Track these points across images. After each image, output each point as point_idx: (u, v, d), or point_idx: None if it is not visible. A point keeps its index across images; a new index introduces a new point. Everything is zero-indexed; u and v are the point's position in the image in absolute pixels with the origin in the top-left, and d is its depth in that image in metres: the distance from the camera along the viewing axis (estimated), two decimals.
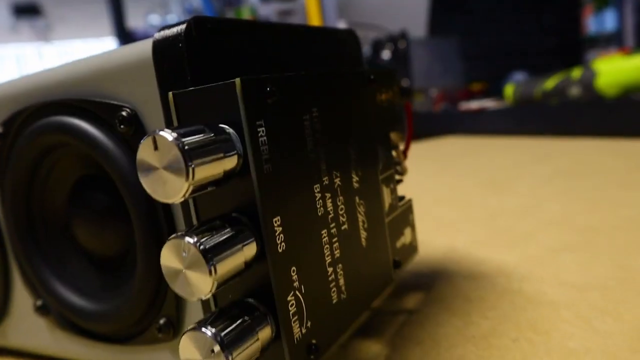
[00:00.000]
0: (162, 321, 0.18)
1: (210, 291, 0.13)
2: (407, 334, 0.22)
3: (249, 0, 2.13)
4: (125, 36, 1.80)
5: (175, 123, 0.15)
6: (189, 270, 0.13)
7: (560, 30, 0.89)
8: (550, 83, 0.67)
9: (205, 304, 0.17)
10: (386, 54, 1.47)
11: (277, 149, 0.15)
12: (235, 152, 0.14)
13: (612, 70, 0.60)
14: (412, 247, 0.24)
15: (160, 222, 0.17)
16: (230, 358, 0.13)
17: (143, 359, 0.20)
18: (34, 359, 0.24)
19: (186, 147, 0.12)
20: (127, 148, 0.17)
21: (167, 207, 0.17)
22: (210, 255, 0.13)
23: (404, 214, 0.23)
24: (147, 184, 0.13)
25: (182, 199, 0.13)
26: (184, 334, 0.14)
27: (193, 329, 0.13)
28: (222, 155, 0.13)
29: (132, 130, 0.17)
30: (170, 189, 0.12)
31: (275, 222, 0.14)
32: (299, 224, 0.15)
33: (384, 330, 0.22)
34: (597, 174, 0.48)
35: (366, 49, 1.46)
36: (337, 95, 0.18)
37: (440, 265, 0.29)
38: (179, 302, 0.18)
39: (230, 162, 0.13)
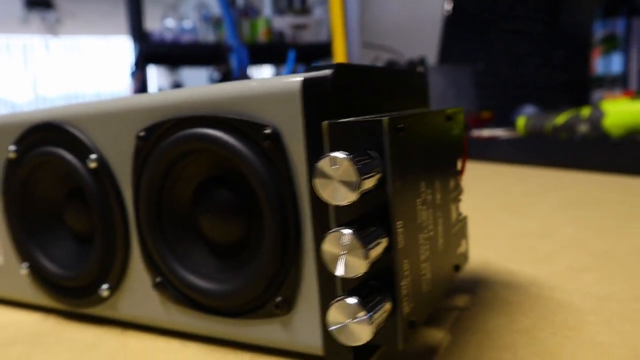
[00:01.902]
0: (278, 299, 0.23)
1: (364, 271, 0.17)
2: (462, 326, 0.26)
3: (264, 12, 2.18)
4: (142, 37, 1.84)
5: (328, 145, 0.19)
6: (348, 255, 0.17)
7: (569, 68, 0.95)
8: (561, 119, 0.73)
9: (323, 286, 0.22)
10: None
11: (402, 170, 0.19)
12: (378, 171, 0.18)
13: (618, 112, 0.66)
14: (465, 256, 0.29)
15: (288, 219, 0.22)
16: (371, 321, 0.17)
17: (255, 330, 0.24)
18: (136, 331, 0.28)
19: (358, 167, 0.17)
20: (266, 159, 0.22)
21: (296, 207, 0.22)
22: (365, 244, 0.17)
23: (462, 227, 0.28)
24: (322, 189, 0.17)
25: (347, 203, 0.17)
26: (332, 304, 0.18)
27: (340, 299, 0.18)
28: (374, 173, 0.18)
29: (274, 146, 0.22)
30: (341, 195, 0.17)
31: (399, 225, 0.19)
32: (410, 228, 0.20)
33: (443, 322, 0.27)
34: (604, 205, 0.53)
35: None
36: (432, 130, 0.23)
37: (479, 274, 0.34)
38: (296, 285, 0.22)
39: (376, 179, 0.18)
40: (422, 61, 0.97)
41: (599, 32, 0.91)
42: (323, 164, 0.17)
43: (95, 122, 0.27)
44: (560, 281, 0.32)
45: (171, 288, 0.26)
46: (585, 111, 0.70)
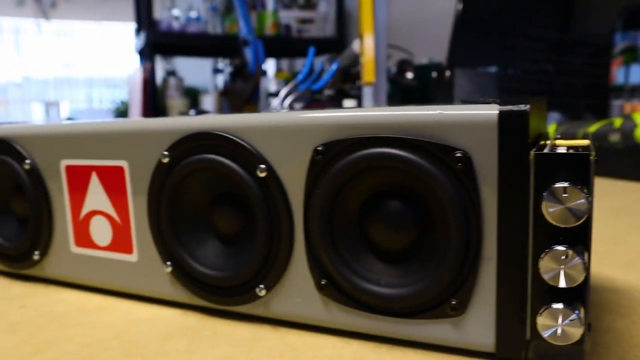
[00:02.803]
0: (454, 302, 0.26)
1: (583, 279, 0.20)
2: (594, 325, 0.29)
3: (268, 6, 2.18)
4: (151, 25, 1.83)
5: (533, 174, 0.22)
6: (568, 269, 0.20)
7: (589, 75, 1.00)
8: (593, 127, 0.77)
9: (500, 293, 0.24)
10: (409, 75, 1.56)
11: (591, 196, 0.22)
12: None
13: None
14: None
15: (471, 232, 0.25)
16: (581, 322, 0.20)
17: (426, 329, 0.27)
18: (288, 328, 0.31)
19: (586, 198, 0.20)
20: (456, 179, 0.25)
21: (480, 223, 0.25)
22: (583, 259, 0.20)
23: None
24: (552, 211, 0.20)
25: (570, 227, 0.20)
26: (541, 312, 0.21)
27: (547, 308, 0.21)
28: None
29: (464, 168, 0.25)
30: (569, 220, 0.20)
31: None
32: None
33: None
34: None
35: (392, 68, 1.55)
36: None
37: None
38: (472, 290, 0.25)
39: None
40: (450, 65, 1.00)
41: (619, 43, 0.96)
42: (556, 191, 0.20)
43: (265, 134, 0.29)
44: None
45: (335, 290, 0.28)
46: (618, 121, 0.75)
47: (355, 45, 1.49)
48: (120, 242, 0.36)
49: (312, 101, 1.40)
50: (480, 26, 1.40)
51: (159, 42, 1.88)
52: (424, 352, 0.27)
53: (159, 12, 2.06)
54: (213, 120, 0.31)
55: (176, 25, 1.95)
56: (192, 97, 2.16)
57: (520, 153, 0.24)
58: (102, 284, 0.37)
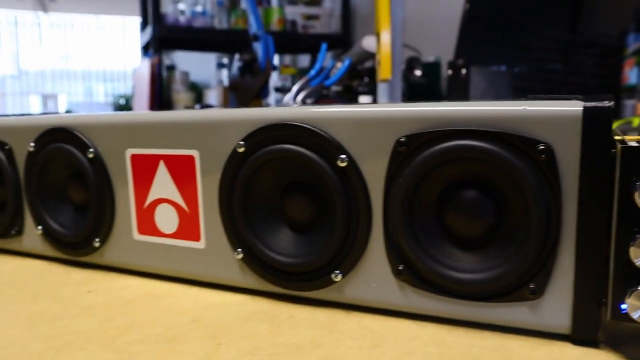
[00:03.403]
0: (532, 286, 0.27)
1: None
2: None
3: (273, 2, 2.19)
4: (158, 19, 1.83)
5: (619, 166, 0.24)
6: None
7: (600, 76, 1.02)
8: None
9: (578, 278, 0.26)
10: (418, 72, 1.58)
11: None
12: None
13: None
14: None
15: (551, 220, 0.26)
16: None
17: (502, 312, 0.28)
18: (360, 312, 0.32)
19: None
20: (538, 170, 0.26)
21: (560, 212, 0.26)
22: None
23: None
24: None
25: None
26: (630, 294, 0.23)
27: (635, 290, 0.22)
28: None
29: (547, 160, 0.26)
30: None
31: None
32: None
33: None
34: None
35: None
36: None
37: None
38: (550, 275, 0.27)
39: None
40: (466, 63, 1.02)
41: (632, 45, 0.98)
42: None
43: (347, 125, 0.30)
44: None
45: (413, 275, 0.30)
46: (636, 121, 0.77)
47: (366, 42, 1.50)
48: (187, 229, 0.37)
49: (320, 97, 1.41)
50: (487, 25, 1.42)
51: (165, 37, 1.87)
52: (500, 334, 0.29)
53: (165, 6, 2.05)
54: (291, 111, 0.32)
55: (182, 20, 1.94)
56: (196, 92, 2.16)
57: (603, 146, 0.25)
58: (167, 271, 0.38)
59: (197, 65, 2.89)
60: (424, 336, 0.29)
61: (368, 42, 1.51)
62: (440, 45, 1.70)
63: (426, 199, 0.30)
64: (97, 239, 0.41)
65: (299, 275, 0.33)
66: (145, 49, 2.06)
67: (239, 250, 0.34)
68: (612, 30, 1.12)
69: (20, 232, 0.46)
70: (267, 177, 0.34)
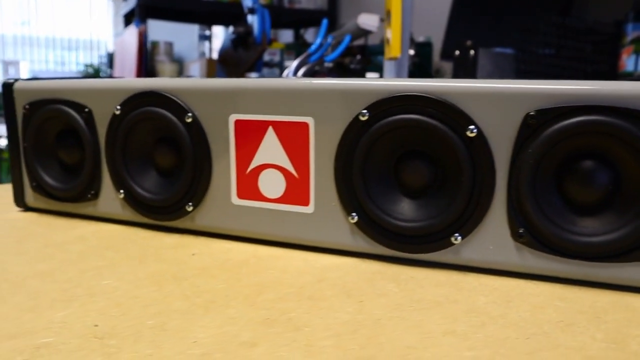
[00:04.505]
0: None
1: None
2: None
3: None
4: None
5: None
6: None
7: (599, 61, 1.08)
8: None
9: None
10: (411, 52, 1.60)
11: None
12: None
13: None
14: None
15: None
16: None
17: (622, 271, 0.31)
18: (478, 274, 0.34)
19: None
20: None
21: None
22: None
23: None
24: None
25: None
26: None
27: None
28: None
29: None
30: None
31: None
32: None
33: None
34: None
35: None
36: None
37: None
38: None
39: None
40: (475, 45, 1.05)
41: (630, 33, 1.04)
42: None
43: (477, 98, 0.32)
44: None
45: (533, 238, 0.32)
46: None
47: (361, 19, 1.51)
48: (295, 194, 0.38)
49: (313, 73, 1.42)
50: (478, 7, 1.46)
51: (150, 5, 1.82)
52: (614, 291, 0.32)
53: None
54: (420, 83, 0.34)
55: None
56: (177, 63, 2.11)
57: None
58: (270, 235, 0.39)
59: (174, 37, 2.81)
60: (545, 293, 0.32)
61: (364, 20, 1.52)
62: (430, 26, 1.73)
63: (549, 169, 0.32)
64: (189, 203, 0.41)
65: (417, 239, 0.35)
66: (127, 18, 1.99)
67: (354, 214, 0.36)
68: (604, 17, 1.18)
69: (96, 195, 0.45)
70: (387, 145, 0.35)
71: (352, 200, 0.36)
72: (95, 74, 3.07)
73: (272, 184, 0.38)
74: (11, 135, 0.48)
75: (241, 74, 1.60)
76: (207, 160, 0.40)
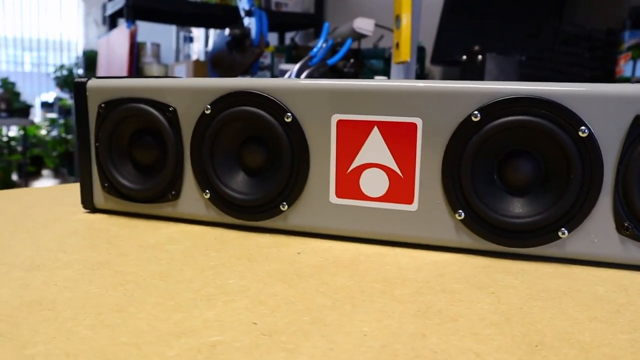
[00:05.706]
0: None
1: None
2: None
3: None
4: None
5: None
6: None
7: (598, 67, 1.14)
8: None
9: None
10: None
11: None
12: None
13: None
14: None
15: None
16: None
17: None
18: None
19: None
20: None
21: None
22: None
23: None
24: None
25: None
26: None
27: None
28: None
29: None
30: None
31: None
32: None
33: None
34: None
35: (389, 49, 1.62)
36: None
37: None
38: None
39: None
40: (482, 50, 1.09)
41: (628, 40, 1.10)
42: None
43: (589, 101, 0.34)
44: None
45: (638, 231, 0.35)
46: None
47: (357, 24, 1.54)
48: (399, 193, 0.39)
49: (307, 77, 1.44)
50: (469, 13, 1.51)
51: (139, 5, 1.78)
52: None
53: None
54: (531, 87, 0.35)
55: None
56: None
57: None
58: (371, 233, 0.40)
59: (153, 38, 2.77)
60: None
61: (359, 24, 1.55)
62: (421, 31, 1.77)
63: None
64: (284, 203, 0.41)
65: (525, 234, 0.37)
66: (113, 18, 1.95)
67: (460, 212, 0.38)
68: (596, 23, 1.25)
69: (177, 196, 0.45)
70: (494, 145, 0.37)
71: (458, 198, 0.38)
72: (69, 75, 2.98)
73: (374, 183, 0.39)
74: (82, 134, 0.47)
75: (235, 76, 1.60)
76: (304, 159, 0.41)
